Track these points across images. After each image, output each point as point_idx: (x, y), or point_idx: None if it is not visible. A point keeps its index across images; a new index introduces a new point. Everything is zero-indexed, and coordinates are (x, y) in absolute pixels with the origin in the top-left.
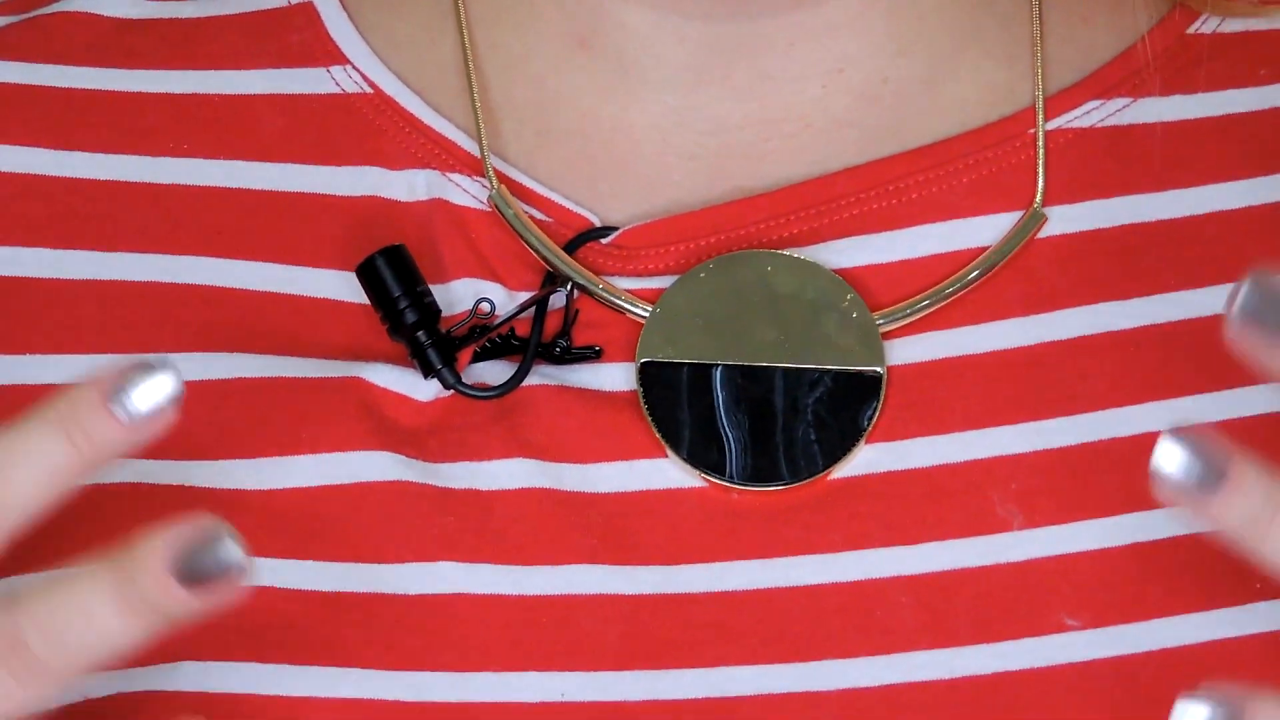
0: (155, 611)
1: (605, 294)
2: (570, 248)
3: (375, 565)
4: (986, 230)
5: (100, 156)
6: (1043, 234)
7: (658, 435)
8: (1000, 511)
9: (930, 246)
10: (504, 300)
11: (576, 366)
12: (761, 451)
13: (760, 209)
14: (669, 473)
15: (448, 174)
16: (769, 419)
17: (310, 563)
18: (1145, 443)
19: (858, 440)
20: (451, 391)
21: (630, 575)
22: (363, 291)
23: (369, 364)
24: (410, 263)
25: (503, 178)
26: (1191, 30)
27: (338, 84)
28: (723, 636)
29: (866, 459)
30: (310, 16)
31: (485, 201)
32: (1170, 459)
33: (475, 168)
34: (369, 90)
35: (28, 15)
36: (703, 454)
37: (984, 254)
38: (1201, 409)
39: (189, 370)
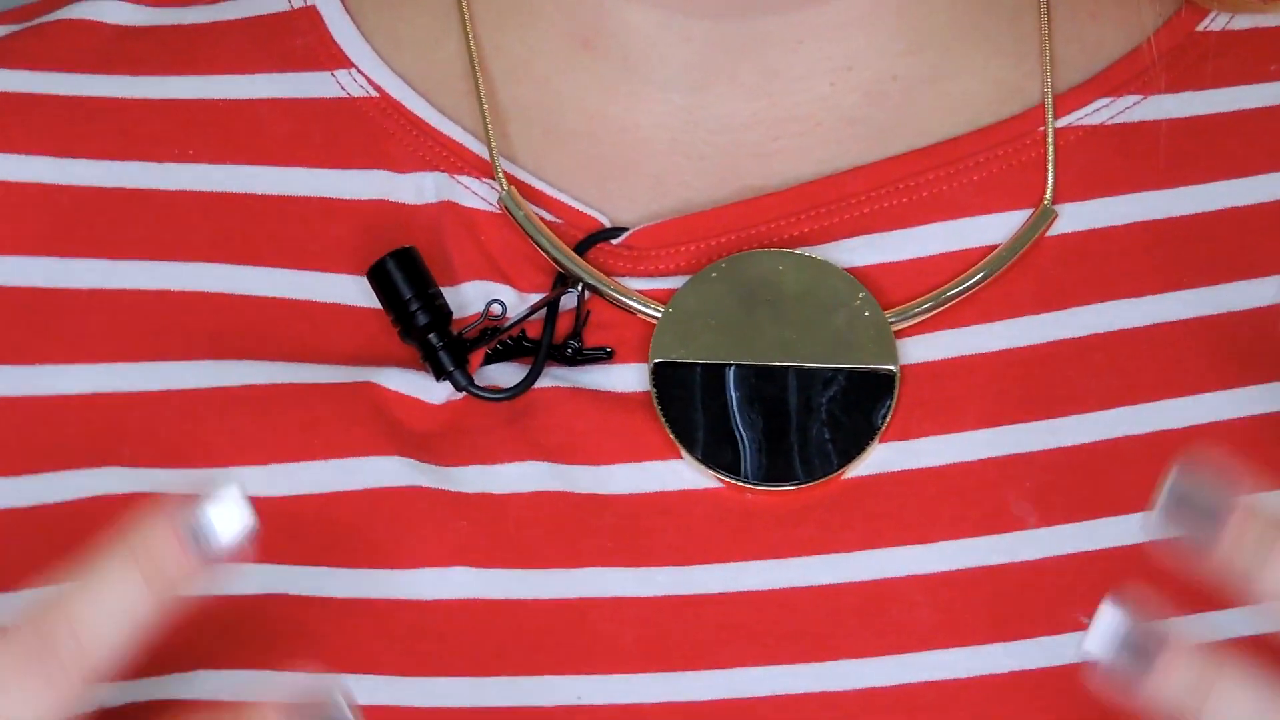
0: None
1: (616, 295)
2: (581, 249)
3: (389, 571)
4: (997, 228)
5: (105, 164)
6: (1053, 232)
7: (671, 436)
8: (1014, 510)
9: (941, 245)
10: (514, 302)
11: (588, 368)
12: (776, 451)
13: (770, 208)
14: (683, 474)
15: (456, 176)
16: (783, 418)
17: (324, 569)
18: (1158, 440)
19: (872, 439)
20: (463, 394)
21: (645, 577)
22: (372, 295)
23: (380, 368)
24: (421, 265)
25: (512, 179)
26: (1200, 27)
27: (343, 88)
28: (739, 637)
29: (880, 458)
30: (313, 20)
31: (494, 203)
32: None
33: (483, 170)
34: (374, 94)
35: (29, 23)
36: (717, 454)
37: (995, 251)
38: (1214, 407)
39: (200, 378)
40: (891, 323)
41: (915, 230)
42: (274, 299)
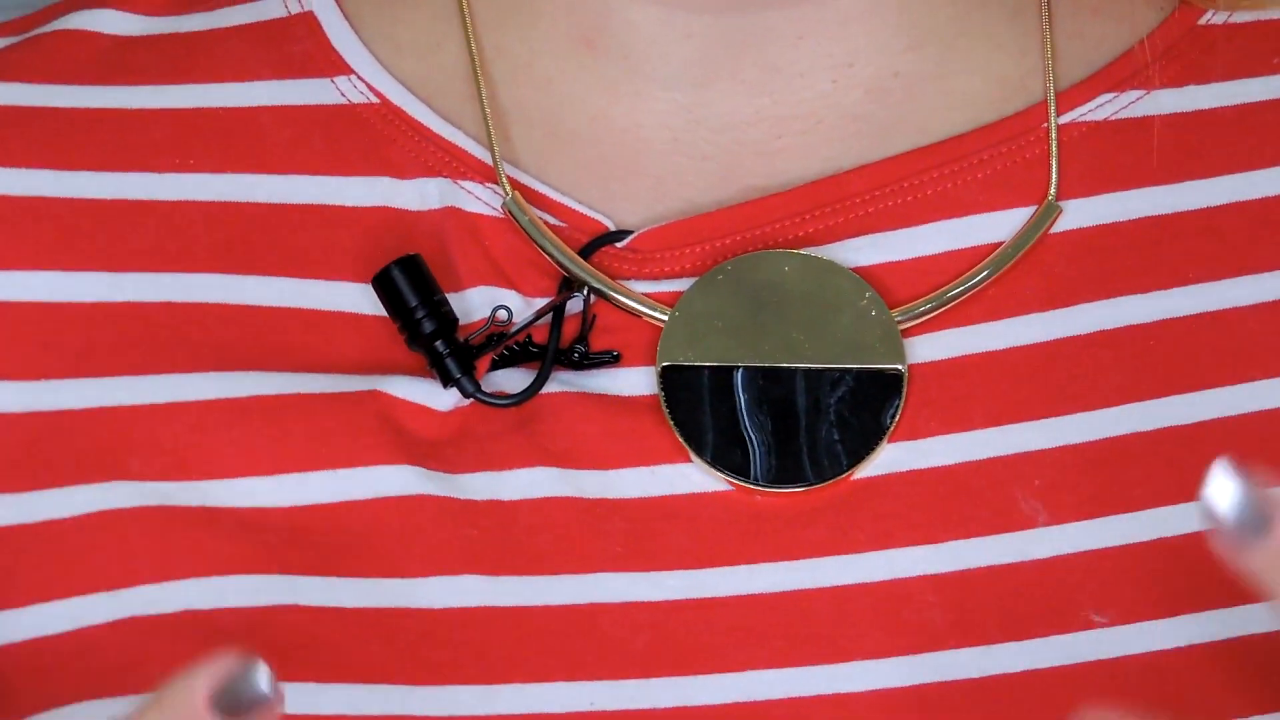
0: None
1: (622, 298)
2: (585, 252)
3: (399, 580)
4: (1001, 225)
5: (105, 175)
6: (1058, 228)
7: (680, 439)
8: (1024, 508)
9: (946, 243)
10: (520, 307)
11: (595, 372)
12: (785, 453)
13: (775, 209)
14: (692, 477)
15: (459, 182)
16: (792, 420)
17: (334, 579)
18: (1167, 437)
19: (881, 439)
20: (470, 401)
21: (656, 581)
22: (377, 303)
23: (387, 376)
24: (426, 272)
25: (515, 184)
26: (1202, 22)
27: (343, 94)
28: (750, 640)
29: (889, 458)
30: (311, 26)
31: (498, 208)
32: (1223, 495)
33: (486, 174)
34: (374, 100)
35: (26, 35)
36: (726, 457)
37: (999, 249)
38: (1221, 402)
39: (206, 390)
40: (898, 322)
41: (920, 229)
42: (278, 308)
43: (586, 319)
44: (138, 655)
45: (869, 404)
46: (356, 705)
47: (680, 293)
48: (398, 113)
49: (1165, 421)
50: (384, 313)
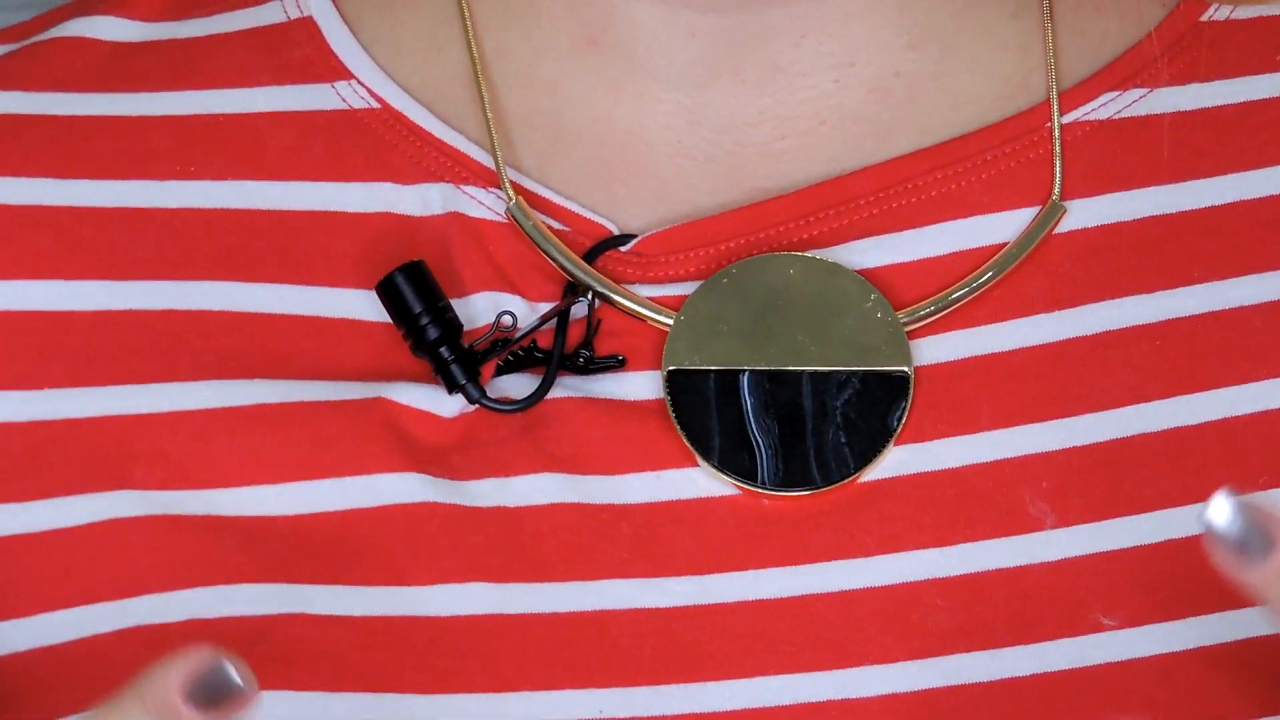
0: None
1: (627, 303)
2: (589, 257)
3: (406, 588)
4: (1006, 226)
5: (106, 184)
6: (1063, 228)
7: (687, 444)
8: (1032, 511)
9: (950, 244)
10: (524, 312)
11: (600, 377)
12: (792, 456)
13: (779, 211)
14: (698, 481)
15: (461, 186)
16: (798, 423)
17: (340, 588)
18: (1174, 437)
19: (888, 441)
20: (476, 407)
21: (663, 587)
22: (380, 309)
23: (392, 383)
24: (430, 279)
25: (518, 188)
26: (1204, 18)
27: (343, 99)
28: (758, 645)
29: (896, 461)
30: (311, 31)
31: (501, 213)
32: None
33: (489, 179)
34: (375, 105)
35: (24, 42)
36: (733, 461)
37: (1004, 249)
38: (1228, 402)
39: (210, 398)
40: (904, 324)
41: (924, 230)
42: (281, 315)
43: (591, 323)
44: (143, 664)
45: (876, 406)
46: (363, 714)
47: (685, 296)
48: (399, 117)
49: (1172, 422)
50: (387, 319)
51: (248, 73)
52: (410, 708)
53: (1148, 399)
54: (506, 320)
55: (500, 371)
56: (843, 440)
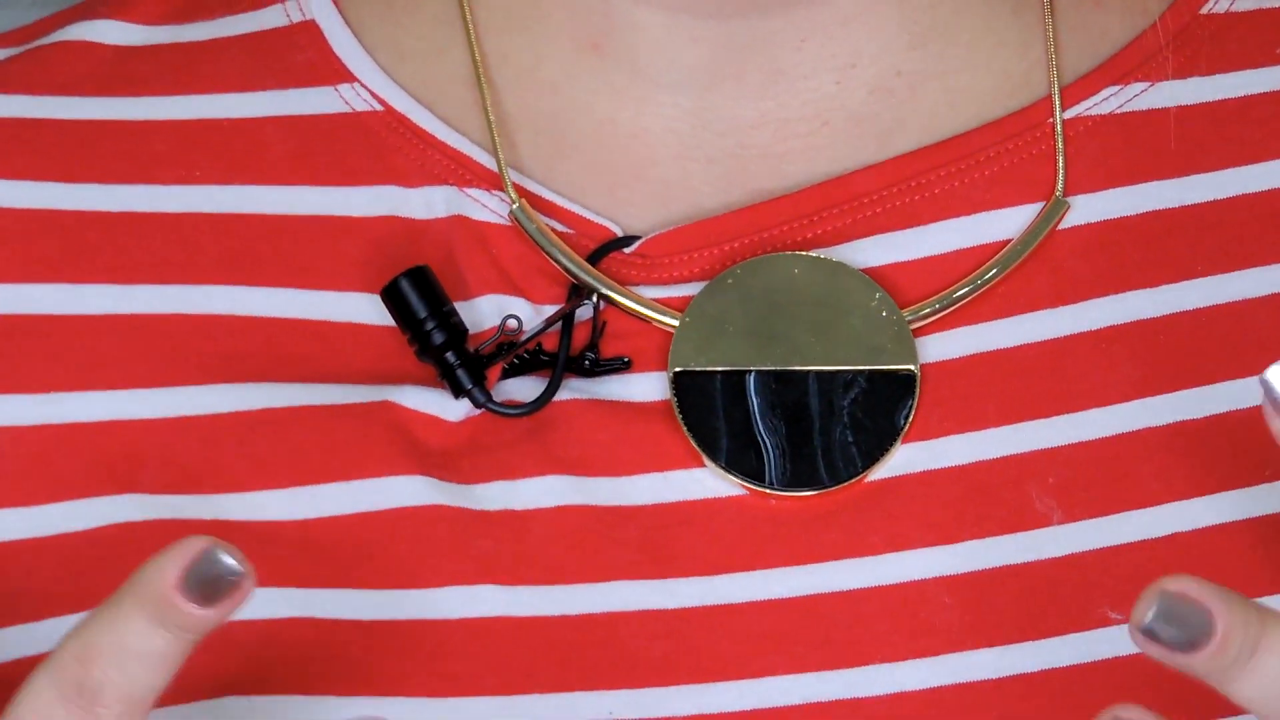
0: (179, 627)
1: (632, 304)
2: (594, 259)
3: (415, 591)
4: (1010, 222)
5: (110, 188)
6: (1066, 224)
7: (694, 445)
8: (1039, 506)
9: (954, 241)
10: (529, 315)
11: (606, 379)
12: (800, 456)
13: (783, 211)
14: (705, 482)
15: (465, 189)
16: (805, 423)
17: (349, 591)
18: (1179, 431)
19: (895, 440)
20: (482, 410)
21: (671, 589)
22: (385, 312)
23: (398, 386)
24: (435, 283)
25: (522, 191)
26: (1205, 10)
27: (347, 103)
28: (767, 646)
29: (902, 459)
30: (314, 35)
31: (505, 216)
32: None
33: (493, 182)
34: (379, 108)
35: (26, 46)
36: (741, 461)
37: (1008, 246)
38: (1233, 395)
39: (216, 403)
40: (909, 322)
41: (928, 228)
42: (287, 320)
43: (596, 326)
44: None
45: (882, 405)
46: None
47: (690, 297)
48: (402, 120)
49: (1177, 416)
50: (393, 322)
51: (250, 77)
52: (419, 711)
53: (1153, 393)
54: (512, 324)
55: (506, 375)
56: (850, 439)
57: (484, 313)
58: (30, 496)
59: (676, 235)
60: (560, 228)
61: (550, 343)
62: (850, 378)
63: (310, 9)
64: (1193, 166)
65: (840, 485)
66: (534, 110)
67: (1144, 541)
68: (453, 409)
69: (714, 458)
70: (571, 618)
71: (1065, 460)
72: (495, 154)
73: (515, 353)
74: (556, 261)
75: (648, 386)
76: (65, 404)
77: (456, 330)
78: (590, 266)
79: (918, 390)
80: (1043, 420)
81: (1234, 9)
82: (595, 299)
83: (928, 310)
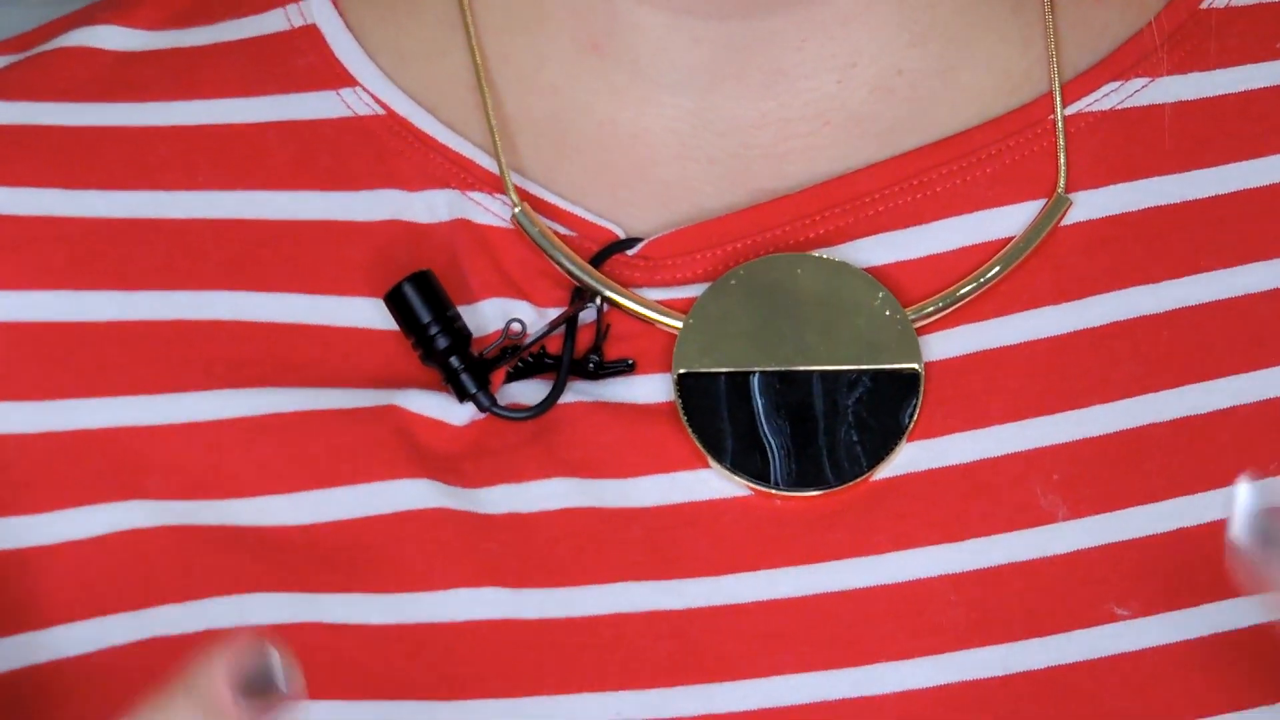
0: None
1: (635, 306)
2: (596, 261)
3: (421, 594)
4: (1012, 220)
5: (113, 194)
6: (1068, 221)
7: (699, 446)
8: (1043, 504)
9: (956, 239)
10: (533, 318)
11: (610, 381)
12: (805, 456)
13: (785, 211)
14: (710, 483)
15: (468, 193)
16: (810, 423)
17: (356, 595)
18: (1183, 427)
19: (900, 439)
20: (486, 414)
21: (677, 590)
22: (390, 317)
23: (403, 391)
24: (438, 288)
25: (524, 194)
26: (1205, 5)
27: (349, 107)
28: (773, 646)
29: (907, 458)
30: (315, 39)
31: (508, 219)
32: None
33: (495, 185)
34: (381, 111)
35: (27, 53)
36: (746, 462)
37: (1011, 243)
38: (1237, 390)
39: (221, 408)
40: (912, 320)
41: (930, 226)
42: (291, 325)
43: (600, 328)
44: (160, 675)
45: (887, 404)
46: None
47: (693, 299)
48: (404, 124)
49: (1182, 411)
50: (397, 327)
51: (252, 81)
52: (427, 714)
53: (1157, 389)
54: (515, 327)
55: (510, 378)
56: (855, 439)
57: (487, 316)
58: (36, 504)
59: (679, 237)
60: (563, 230)
61: (554, 346)
62: (854, 377)
63: (311, 13)
64: (1194, 162)
65: (845, 485)
66: (535, 112)
67: (1149, 537)
68: (457, 413)
69: (719, 459)
70: (577, 620)
71: (1070, 457)
72: (497, 157)
73: (519, 356)
74: (559, 264)
75: (652, 388)
76: (70, 411)
77: (460, 334)
78: (593, 269)
79: (922, 389)
80: (1047, 417)
81: (1233, 3)
82: (599, 301)
83: (931, 309)
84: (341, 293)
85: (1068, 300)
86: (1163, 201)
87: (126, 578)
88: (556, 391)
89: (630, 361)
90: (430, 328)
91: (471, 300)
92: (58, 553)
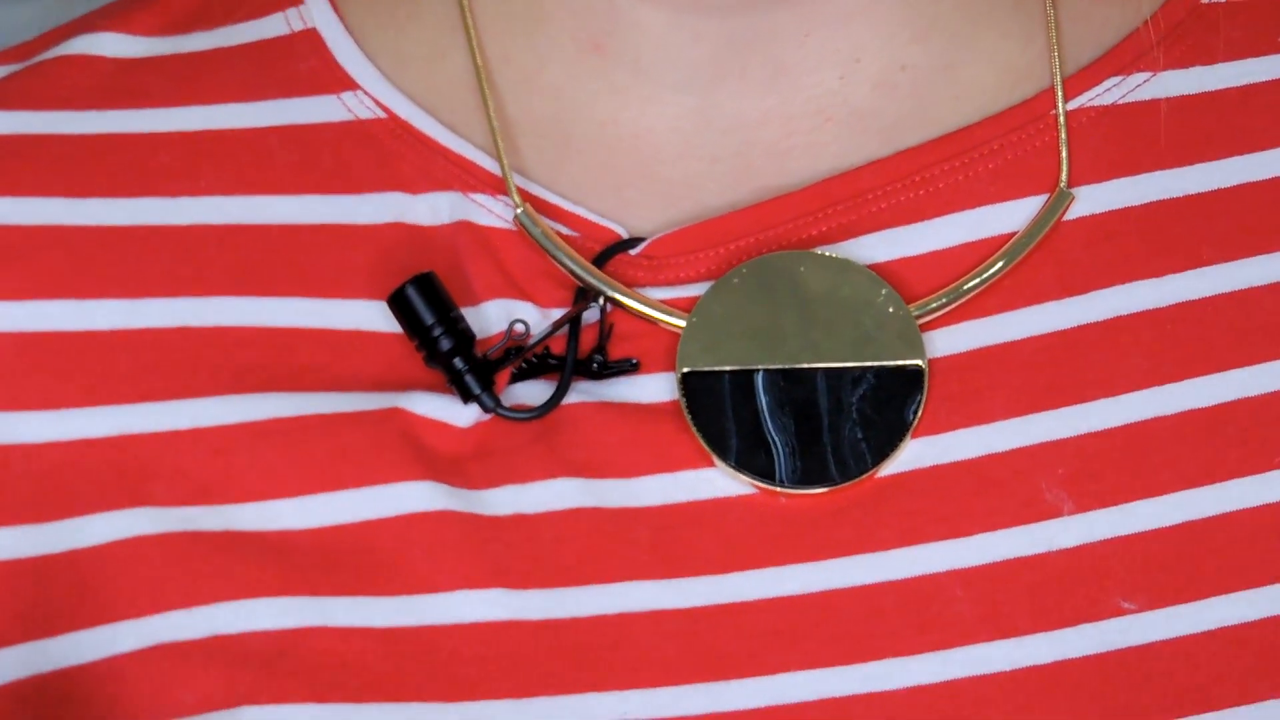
0: None
1: (639, 306)
2: (599, 261)
3: (427, 596)
4: (1015, 215)
5: (117, 201)
6: (1071, 215)
7: (703, 445)
8: (1049, 498)
9: (960, 235)
10: (536, 319)
11: (614, 381)
12: (810, 454)
13: (788, 209)
14: (715, 482)
15: (470, 195)
16: (815, 420)
17: (362, 598)
18: (1188, 420)
19: (904, 435)
20: (491, 415)
21: (683, 589)
22: (393, 319)
23: (407, 393)
24: (441, 290)
25: (526, 195)
26: (1205, 0)
27: (350, 111)
28: (781, 643)
29: (912, 454)
30: (315, 43)
31: (510, 221)
32: None
33: (498, 187)
34: (382, 115)
35: (27, 62)
36: (751, 460)
37: (1014, 238)
38: (1241, 383)
39: (227, 414)
40: (916, 317)
41: (933, 222)
42: (295, 329)
43: (603, 328)
44: (167, 681)
45: (891, 401)
46: None
47: (697, 298)
48: (405, 127)
49: (1186, 404)
50: (401, 329)
51: (253, 86)
52: (434, 716)
53: (1161, 382)
54: (519, 328)
55: (514, 379)
56: (859, 436)
57: (491, 318)
58: (43, 513)
59: (682, 236)
60: (565, 231)
61: (558, 346)
62: (858, 374)
63: (311, 17)
64: (1196, 155)
65: (850, 482)
66: (537, 113)
67: (1155, 530)
68: (462, 414)
69: (724, 457)
70: (583, 619)
71: (1075, 451)
72: (499, 158)
73: (523, 357)
74: (562, 265)
75: (656, 387)
76: (76, 420)
77: (464, 336)
78: (596, 269)
79: (926, 385)
80: (1051, 411)
81: None
82: (602, 302)
83: (935, 305)
84: (345, 296)
85: (1071, 295)
86: (1165, 195)
87: (132, 584)
88: (560, 392)
89: (634, 361)
90: (434, 330)
91: (475, 302)
92: (63, 561)
